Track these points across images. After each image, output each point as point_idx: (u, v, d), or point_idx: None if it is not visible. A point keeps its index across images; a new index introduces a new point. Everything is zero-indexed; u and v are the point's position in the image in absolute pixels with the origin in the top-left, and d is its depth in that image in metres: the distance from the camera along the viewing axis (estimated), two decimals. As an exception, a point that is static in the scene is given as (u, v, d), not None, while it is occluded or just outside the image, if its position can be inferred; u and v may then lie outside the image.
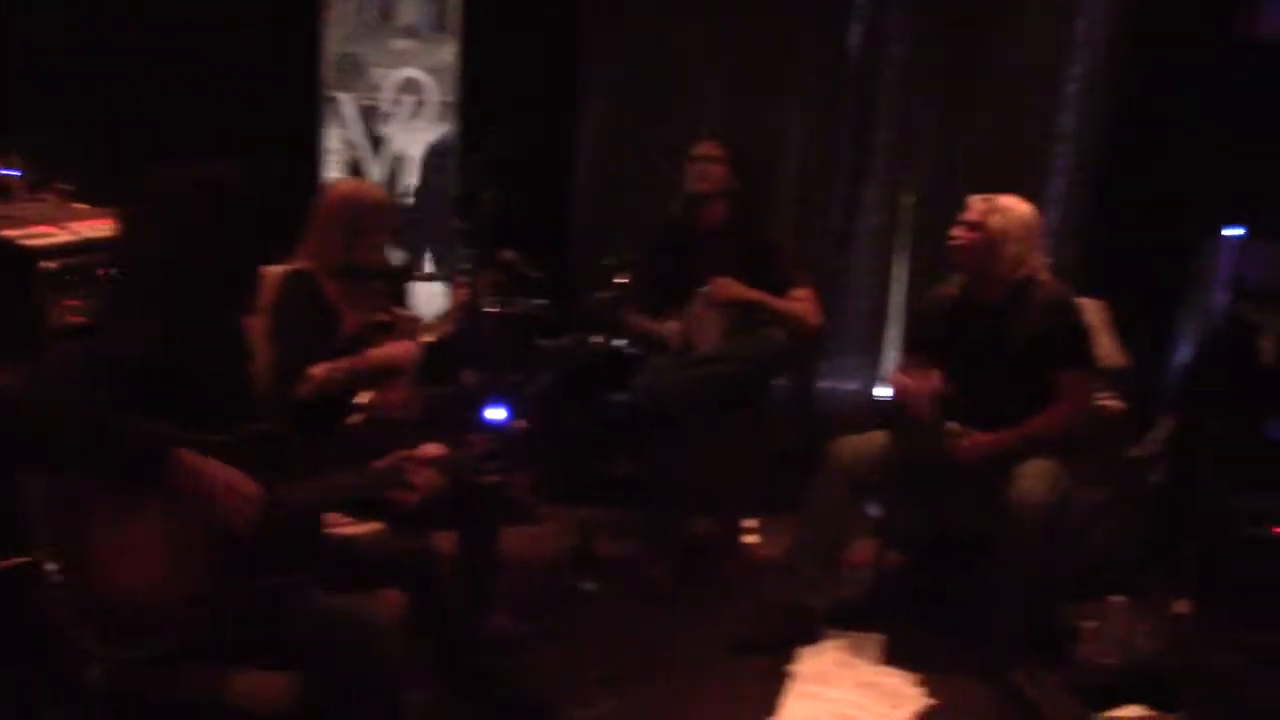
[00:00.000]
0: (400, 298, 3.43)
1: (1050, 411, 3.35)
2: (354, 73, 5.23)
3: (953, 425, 3.36)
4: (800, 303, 4.02)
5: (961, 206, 3.54)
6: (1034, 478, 3.21)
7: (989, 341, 3.43)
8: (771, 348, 3.95)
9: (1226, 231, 4.00)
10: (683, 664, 3.32)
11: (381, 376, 3.04)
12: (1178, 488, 4.12)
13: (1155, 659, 3.17)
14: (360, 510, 2.75)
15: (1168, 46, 4.53)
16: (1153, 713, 2.76)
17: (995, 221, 3.41)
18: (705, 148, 4.07)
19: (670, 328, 3.98)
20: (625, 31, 5.22)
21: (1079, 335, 3.46)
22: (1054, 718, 2.66)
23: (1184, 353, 4.82)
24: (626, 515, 4.26)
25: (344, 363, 2.99)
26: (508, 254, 3.90)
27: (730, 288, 3.91)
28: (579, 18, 5.26)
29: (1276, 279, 4.40)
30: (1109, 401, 3.98)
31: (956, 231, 3.49)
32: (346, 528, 2.72)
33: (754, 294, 3.93)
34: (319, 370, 2.93)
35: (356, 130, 5.23)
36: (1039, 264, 3.49)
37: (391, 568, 2.48)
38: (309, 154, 5.05)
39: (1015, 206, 3.46)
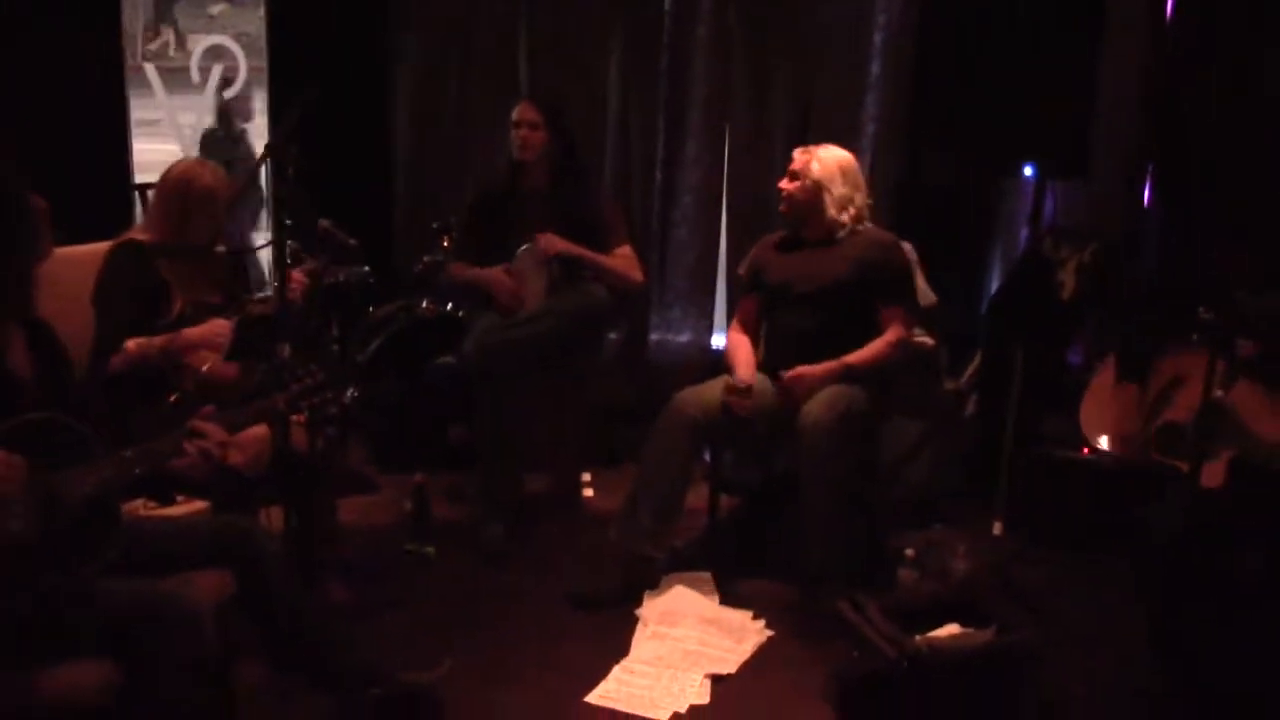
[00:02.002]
0: (237, 276, 3.38)
1: (873, 343, 3.52)
2: (161, 41, 5.05)
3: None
4: (622, 260, 4.08)
5: (779, 157, 3.68)
6: (817, 402, 3.37)
7: (813, 278, 3.58)
8: (595, 302, 4.00)
9: (1025, 171, 4.17)
10: (526, 620, 3.37)
11: (194, 353, 2.98)
12: (989, 417, 4.33)
13: (970, 580, 3.35)
14: (187, 490, 2.71)
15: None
16: (967, 630, 2.90)
17: (817, 169, 3.60)
18: (524, 111, 4.06)
19: (495, 274, 3.98)
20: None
21: (901, 272, 3.66)
22: (876, 642, 2.77)
23: (992, 289, 5.04)
24: (461, 477, 4.28)
25: (158, 339, 2.96)
26: (324, 223, 3.85)
27: (554, 242, 3.93)
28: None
29: (1071, 216, 4.63)
30: (923, 338, 4.16)
31: (782, 184, 3.66)
32: (169, 509, 2.67)
33: (577, 249, 3.97)
34: (132, 344, 2.94)
35: (164, 102, 5.06)
36: (863, 206, 3.68)
37: (215, 547, 2.44)
38: (117, 127, 4.86)
39: (834, 153, 3.66)
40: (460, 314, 4.45)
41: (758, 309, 3.79)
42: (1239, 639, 2.94)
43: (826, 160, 3.62)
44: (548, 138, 4.05)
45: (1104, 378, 3.84)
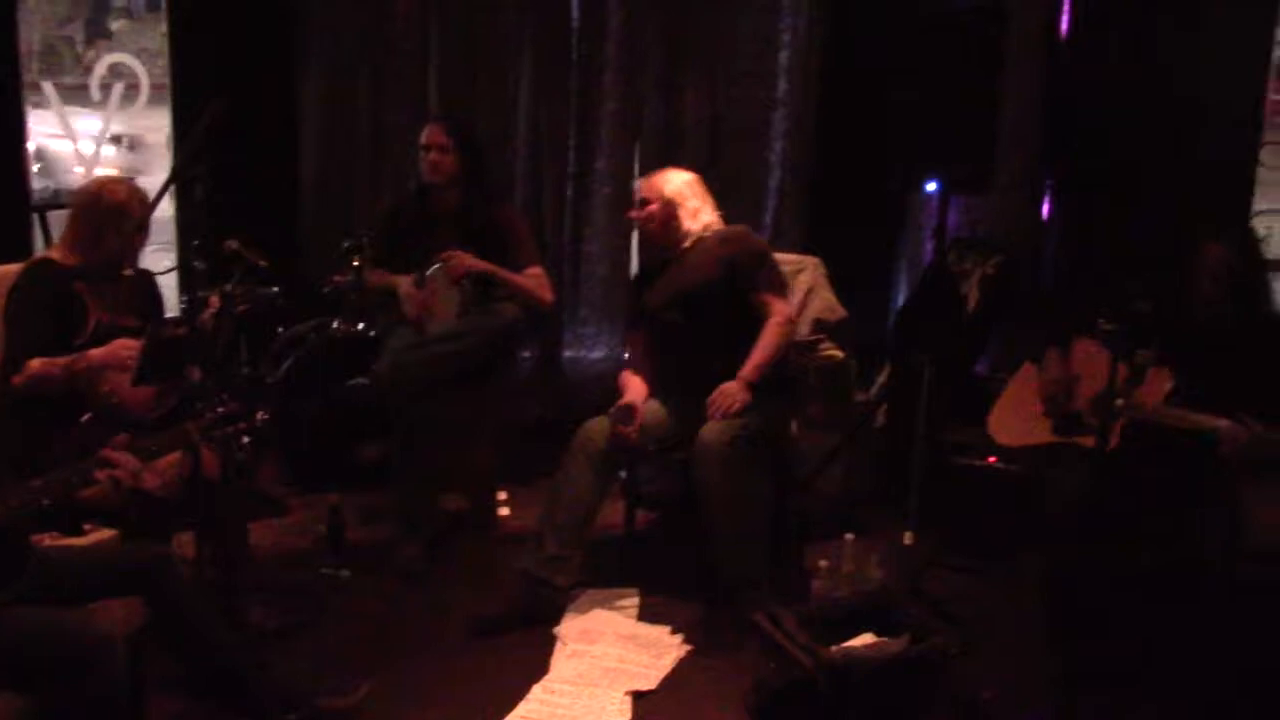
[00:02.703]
0: (152, 297, 3.33)
1: (766, 330, 3.57)
2: (58, 59, 4.94)
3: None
4: (533, 279, 4.09)
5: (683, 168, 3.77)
6: (708, 428, 3.41)
7: (684, 287, 3.65)
8: (507, 321, 4.02)
9: (928, 187, 4.27)
10: (445, 641, 3.35)
11: (101, 374, 2.93)
12: (899, 428, 4.41)
13: (884, 588, 3.41)
14: (97, 519, 2.66)
15: (867, 14, 4.81)
16: (880, 638, 2.95)
17: (667, 188, 3.72)
18: (433, 134, 4.06)
19: (404, 282, 3.96)
20: (345, 8, 5.10)
21: (762, 254, 3.73)
22: (793, 653, 2.81)
23: (899, 301, 5.13)
24: (376, 498, 4.24)
25: (62, 360, 2.90)
26: (232, 243, 3.79)
27: (465, 260, 3.93)
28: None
29: (974, 229, 4.76)
30: (832, 351, 4.23)
31: (634, 214, 3.77)
32: (78, 539, 2.62)
33: (487, 266, 3.98)
34: (35, 363, 2.89)
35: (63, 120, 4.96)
36: (713, 217, 3.78)
37: (126, 575, 2.40)
38: (12, 148, 4.73)
39: (677, 172, 3.81)
40: (373, 333, 4.41)
41: (645, 345, 3.83)
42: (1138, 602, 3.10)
43: (672, 179, 3.75)
44: (457, 160, 4.06)
45: (1014, 388, 3.91)
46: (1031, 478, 3.63)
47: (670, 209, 3.69)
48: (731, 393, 3.44)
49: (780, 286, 3.74)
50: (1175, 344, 3.22)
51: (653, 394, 3.69)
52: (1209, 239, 3.34)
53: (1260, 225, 4.79)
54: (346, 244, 4.52)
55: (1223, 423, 3.06)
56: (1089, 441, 3.27)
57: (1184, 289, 3.35)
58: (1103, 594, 3.21)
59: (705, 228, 3.74)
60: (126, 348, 2.97)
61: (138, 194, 3.18)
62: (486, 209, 4.15)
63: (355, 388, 4.35)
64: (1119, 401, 3.05)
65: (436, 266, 3.93)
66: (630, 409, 3.53)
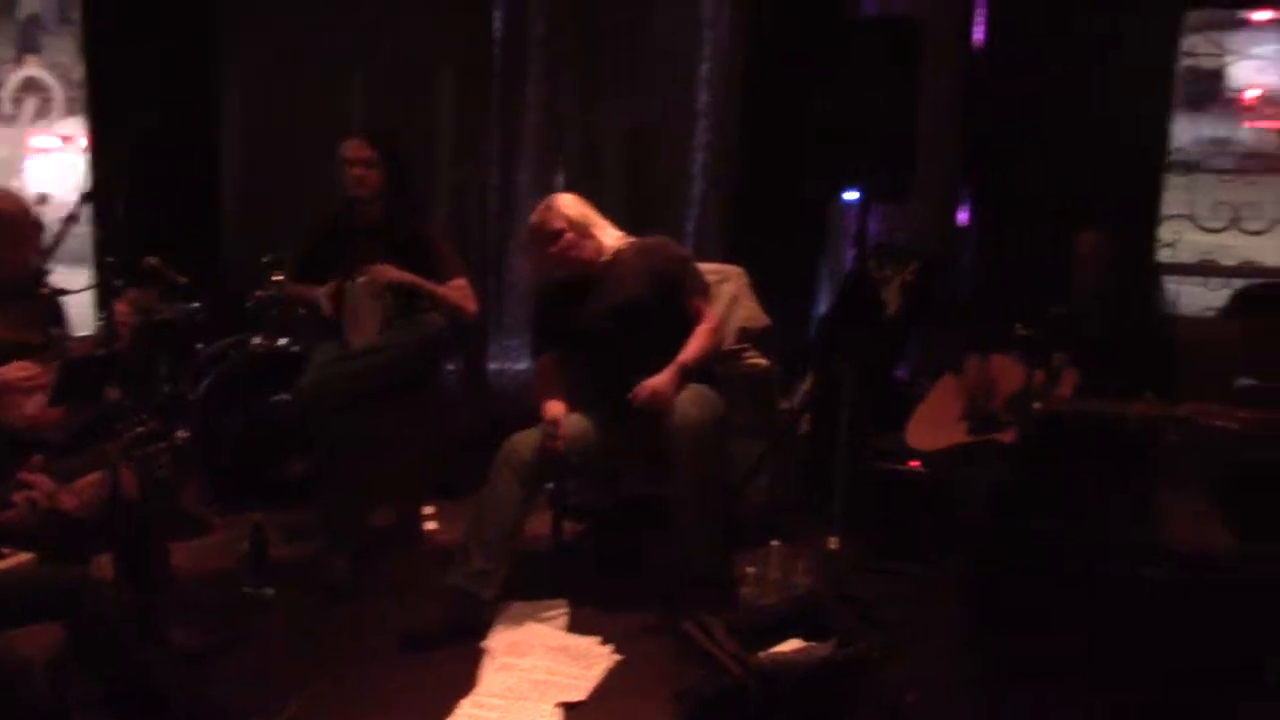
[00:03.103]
0: (56, 316, 3.25)
1: (696, 334, 3.61)
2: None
3: None
4: (457, 291, 4.09)
5: (613, 185, 3.76)
6: (687, 402, 3.44)
7: (612, 303, 3.65)
8: (431, 332, 4.00)
9: (848, 195, 4.32)
10: (372, 657, 3.32)
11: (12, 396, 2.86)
12: (823, 435, 4.46)
13: (810, 594, 3.44)
14: (13, 542, 2.60)
15: (785, 25, 4.87)
16: (808, 643, 2.99)
17: (569, 209, 3.68)
18: (356, 149, 4.03)
19: (324, 293, 3.94)
20: (266, 19, 5.06)
21: (685, 263, 3.76)
22: (723, 661, 2.83)
23: (821, 309, 5.20)
24: (300, 514, 4.20)
25: None
26: (151, 260, 3.74)
27: (387, 271, 3.92)
28: (217, 6, 5.06)
29: (893, 236, 4.83)
30: (757, 360, 4.27)
31: (554, 250, 3.66)
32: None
33: (410, 277, 3.97)
34: None
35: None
36: (616, 234, 3.77)
37: (44, 599, 2.36)
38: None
39: (562, 197, 3.76)
40: (295, 349, 4.38)
41: (558, 364, 3.81)
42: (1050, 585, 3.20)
43: (567, 202, 3.71)
44: (382, 174, 4.04)
45: (934, 397, 3.98)
46: (948, 479, 3.71)
47: (583, 230, 3.68)
48: (661, 389, 3.46)
49: (705, 291, 3.77)
50: (1076, 341, 3.32)
51: (573, 408, 3.69)
52: (1086, 229, 3.54)
53: (1169, 231, 4.96)
54: (266, 259, 4.50)
55: (1134, 406, 3.16)
56: (1006, 437, 3.36)
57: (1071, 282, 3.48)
58: (1021, 592, 3.28)
59: (618, 240, 3.75)
60: (22, 369, 2.89)
61: (22, 203, 3.09)
62: (410, 222, 4.14)
63: (278, 403, 4.31)
64: (1036, 405, 3.12)
65: (360, 280, 3.91)
66: (556, 422, 3.54)
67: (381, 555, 4.05)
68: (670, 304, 3.65)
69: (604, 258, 3.72)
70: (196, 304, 4.11)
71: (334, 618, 3.59)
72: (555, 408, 3.63)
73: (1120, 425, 3.18)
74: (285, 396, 4.22)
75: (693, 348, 3.57)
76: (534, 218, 3.71)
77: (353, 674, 3.21)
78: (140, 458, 2.48)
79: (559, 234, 3.66)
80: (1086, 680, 3.19)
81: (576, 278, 3.74)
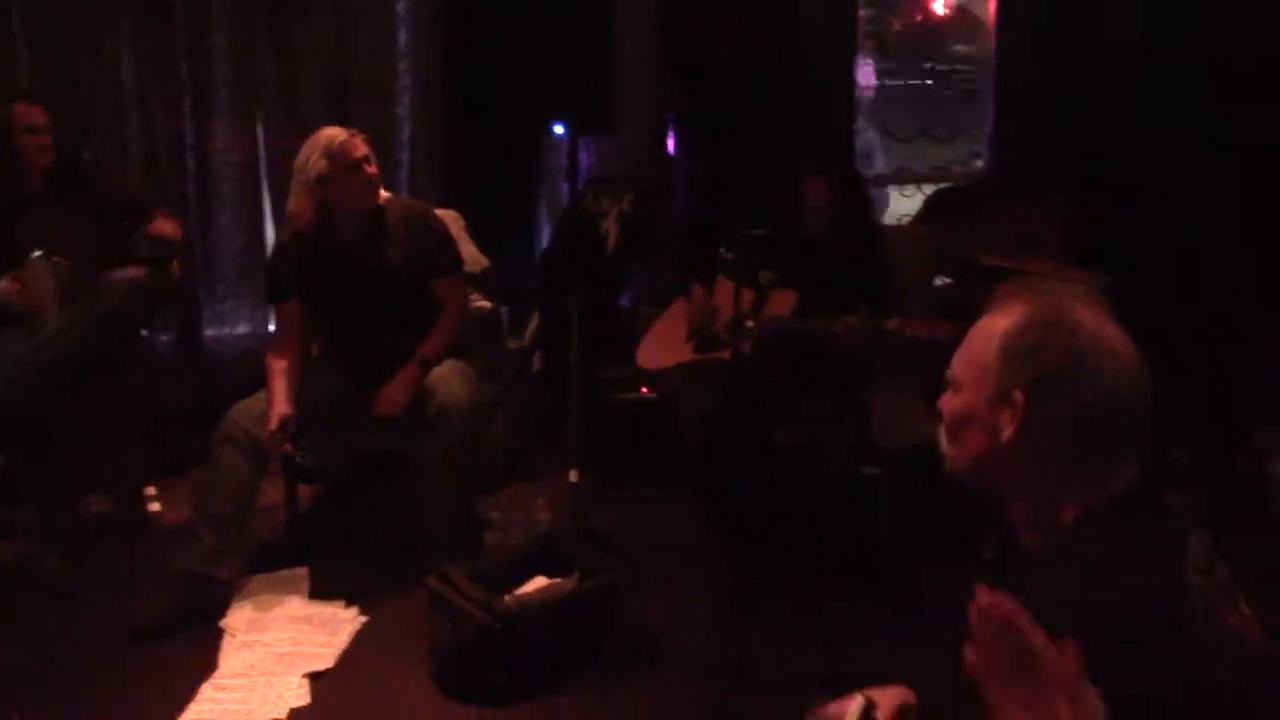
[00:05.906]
0: None
1: (439, 324, 3.54)
2: None
3: None
4: (164, 223, 3.87)
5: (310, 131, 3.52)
6: (454, 381, 3.39)
7: (362, 275, 3.50)
8: (113, 303, 3.71)
9: (556, 129, 4.32)
10: (101, 654, 3.11)
11: None
12: (555, 371, 4.48)
13: (552, 530, 3.47)
14: None
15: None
16: (552, 579, 3.01)
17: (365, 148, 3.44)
18: (27, 114, 3.72)
19: (5, 287, 3.64)
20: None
21: (442, 240, 3.64)
22: (468, 609, 2.81)
23: (542, 246, 5.20)
24: (6, 513, 3.89)
25: None
26: None
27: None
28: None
29: (605, 169, 4.86)
30: (481, 303, 4.24)
31: (371, 169, 3.44)
32: None
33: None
34: None
35: None
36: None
37: None
38: None
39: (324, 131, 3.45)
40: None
41: (300, 313, 3.59)
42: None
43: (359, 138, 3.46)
44: (53, 137, 3.74)
45: (664, 321, 4.05)
46: (673, 400, 3.81)
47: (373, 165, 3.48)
48: (395, 398, 3.40)
49: (456, 270, 3.67)
50: (793, 265, 3.44)
51: (306, 369, 3.54)
52: (811, 175, 3.75)
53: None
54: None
55: (841, 322, 3.30)
56: (724, 355, 3.48)
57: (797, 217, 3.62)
58: (750, 502, 3.40)
59: (380, 204, 3.52)
60: None
61: None
62: (87, 178, 3.87)
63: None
64: (749, 323, 3.22)
65: (36, 255, 3.61)
66: (285, 425, 3.34)
67: (102, 546, 3.80)
68: (422, 281, 3.54)
69: (362, 220, 3.49)
70: None
71: (55, 617, 3.34)
72: (282, 406, 3.37)
73: (831, 340, 3.34)
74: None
75: (434, 341, 3.50)
76: (335, 142, 3.35)
77: (81, 674, 3.01)
78: None
79: (367, 159, 3.43)
80: (823, 578, 3.36)
81: (323, 230, 3.49)
